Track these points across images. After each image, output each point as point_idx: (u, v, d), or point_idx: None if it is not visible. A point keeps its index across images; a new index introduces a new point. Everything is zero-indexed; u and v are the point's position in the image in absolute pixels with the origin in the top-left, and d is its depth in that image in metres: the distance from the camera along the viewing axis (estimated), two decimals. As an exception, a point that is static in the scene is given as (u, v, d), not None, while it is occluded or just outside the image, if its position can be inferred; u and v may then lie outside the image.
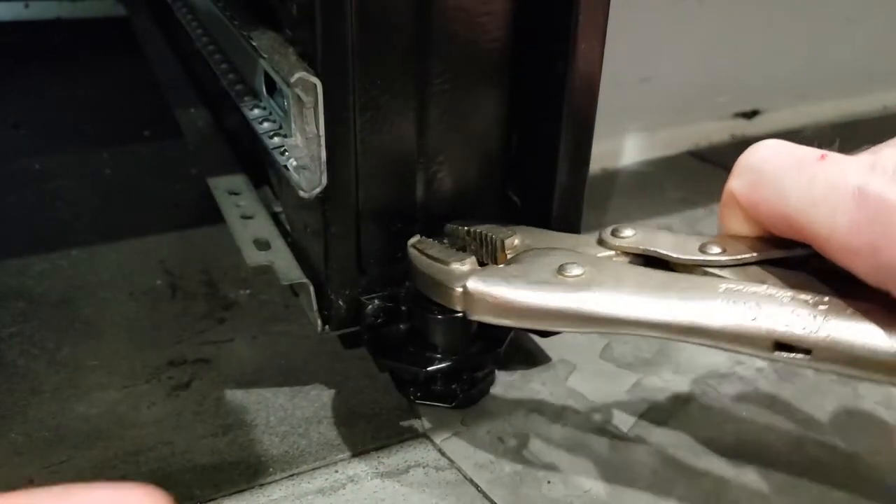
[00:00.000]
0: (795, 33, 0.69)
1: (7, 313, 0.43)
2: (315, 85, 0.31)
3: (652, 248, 0.30)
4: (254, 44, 0.36)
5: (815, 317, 0.25)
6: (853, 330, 0.24)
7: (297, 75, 0.30)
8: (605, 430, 0.36)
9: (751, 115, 0.71)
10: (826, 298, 0.26)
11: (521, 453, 0.35)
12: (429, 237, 0.35)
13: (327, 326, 0.36)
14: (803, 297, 0.26)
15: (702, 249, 0.29)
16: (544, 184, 0.36)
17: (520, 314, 0.30)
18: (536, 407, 0.38)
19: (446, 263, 0.32)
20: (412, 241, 0.35)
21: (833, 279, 0.27)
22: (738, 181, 0.29)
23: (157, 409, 0.37)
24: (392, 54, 0.32)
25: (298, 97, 0.31)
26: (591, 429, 0.37)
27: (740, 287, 0.27)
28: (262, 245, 0.39)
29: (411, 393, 0.38)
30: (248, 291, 0.46)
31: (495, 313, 0.30)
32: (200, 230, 0.51)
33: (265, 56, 0.35)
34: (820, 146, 0.27)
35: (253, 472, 0.34)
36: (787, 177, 0.27)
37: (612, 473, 0.34)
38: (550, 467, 0.34)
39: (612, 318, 0.28)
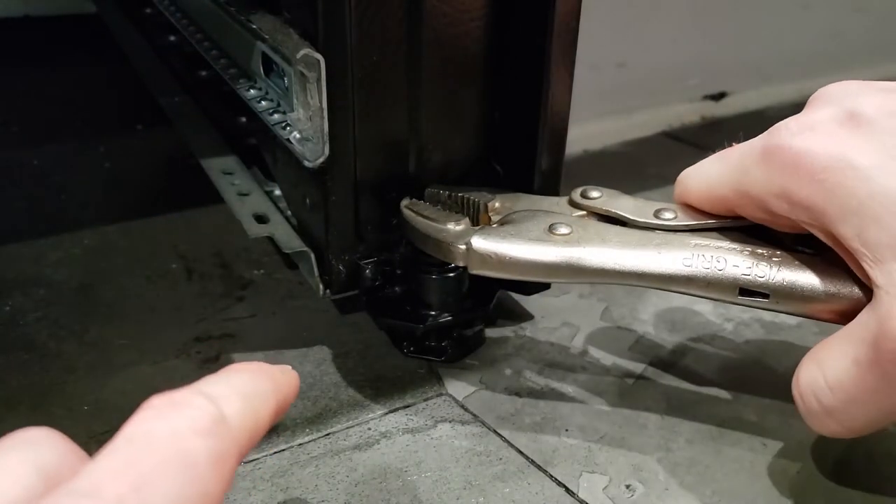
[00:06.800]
0: (758, 20, 0.73)
1: (30, 300, 0.44)
2: (318, 61, 0.33)
3: (613, 210, 0.35)
4: (254, 26, 0.38)
5: (770, 266, 0.30)
6: (802, 276, 0.30)
7: (301, 52, 0.33)
8: (612, 382, 0.39)
9: (718, 97, 0.75)
10: (778, 252, 0.30)
11: (538, 406, 0.38)
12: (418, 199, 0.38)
13: (328, 290, 0.39)
14: (759, 250, 0.31)
15: (656, 214, 0.34)
16: (525, 154, 0.39)
17: (519, 268, 0.33)
18: (548, 365, 0.41)
19: (443, 223, 0.36)
20: (404, 202, 0.38)
21: (771, 243, 0.32)
22: (676, 195, 0.35)
23: (191, 382, 0.39)
24: (386, 34, 0.35)
25: (302, 73, 0.34)
26: (599, 382, 0.40)
27: (707, 242, 0.32)
28: (262, 219, 0.41)
29: (405, 347, 0.41)
30: (262, 271, 0.48)
31: (497, 268, 0.34)
32: (206, 215, 0.53)
33: (267, 37, 0.37)
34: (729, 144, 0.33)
35: (290, 433, 0.36)
36: (708, 169, 0.33)
37: (623, 420, 0.37)
38: (566, 417, 0.37)
39: (601, 269, 0.32)
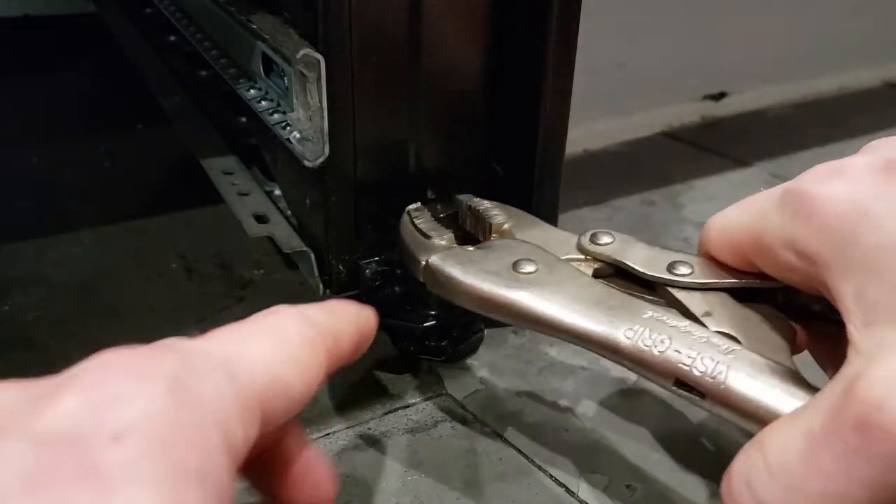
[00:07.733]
0: (758, 20, 0.73)
1: (30, 299, 0.44)
2: (318, 60, 0.33)
3: (622, 261, 0.31)
4: (254, 26, 0.38)
5: (717, 363, 0.25)
6: (746, 384, 0.25)
7: (301, 52, 0.33)
8: (612, 382, 0.39)
9: (719, 97, 0.75)
10: (735, 348, 0.26)
11: (538, 406, 0.38)
12: (427, 204, 0.38)
13: (328, 290, 0.39)
14: (717, 341, 0.26)
15: (670, 268, 0.30)
16: (525, 154, 0.39)
17: (464, 297, 0.31)
18: (548, 366, 0.41)
19: (427, 237, 0.35)
20: (410, 207, 0.37)
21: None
22: (699, 244, 0.30)
23: (191, 381, 0.39)
24: (386, 34, 0.35)
25: (301, 73, 0.34)
26: (599, 383, 0.40)
27: (664, 318, 0.28)
28: (262, 218, 0.41)
29: (405, 347, 0.41)
30: (262, 271, 0.48)
31: (445, 292, 0.32)
32: (206, 215, 0.53)
33: (267, 37, 0.37)
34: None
35: (290, 433, 0.36)
36: (729, 214, 0.29)
37: (623, 419, 0.37)
38: (566, 417, 0.37)
39: (539, 318, 0.29)
